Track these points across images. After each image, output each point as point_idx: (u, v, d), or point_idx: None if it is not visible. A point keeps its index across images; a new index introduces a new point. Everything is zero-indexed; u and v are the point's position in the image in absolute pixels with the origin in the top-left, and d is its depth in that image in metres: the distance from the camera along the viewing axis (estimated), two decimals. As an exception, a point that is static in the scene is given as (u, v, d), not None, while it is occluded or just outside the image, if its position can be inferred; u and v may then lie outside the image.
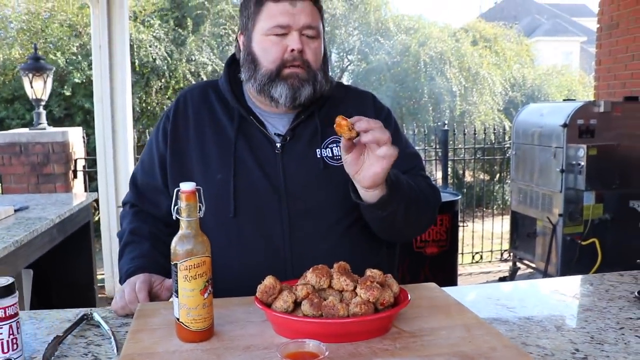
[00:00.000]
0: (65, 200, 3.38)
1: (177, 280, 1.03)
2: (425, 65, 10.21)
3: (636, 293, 1.40)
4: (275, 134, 1.45)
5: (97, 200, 4.49)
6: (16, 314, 1.06)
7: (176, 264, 1.03)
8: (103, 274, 4.91)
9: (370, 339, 1.03)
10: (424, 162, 3.66)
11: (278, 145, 1.44)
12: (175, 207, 1.04)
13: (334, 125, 1.17)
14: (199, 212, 1.04)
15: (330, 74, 1.53)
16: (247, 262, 1.37)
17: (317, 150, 1.44)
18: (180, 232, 1.04)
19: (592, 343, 1.16)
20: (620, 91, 5.22)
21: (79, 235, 3.34)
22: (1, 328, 1.04)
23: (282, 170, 1.41)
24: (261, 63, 1.40)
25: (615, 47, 5.37)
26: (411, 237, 1.54)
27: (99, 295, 4.23)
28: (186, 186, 1.03)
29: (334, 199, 1.41)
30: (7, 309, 1.04)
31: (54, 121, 7.43)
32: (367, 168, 1.22)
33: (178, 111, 1.51)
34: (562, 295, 1.48)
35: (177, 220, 1.06)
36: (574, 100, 5.61)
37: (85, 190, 5.26)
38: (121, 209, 1.60)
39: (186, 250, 1.02)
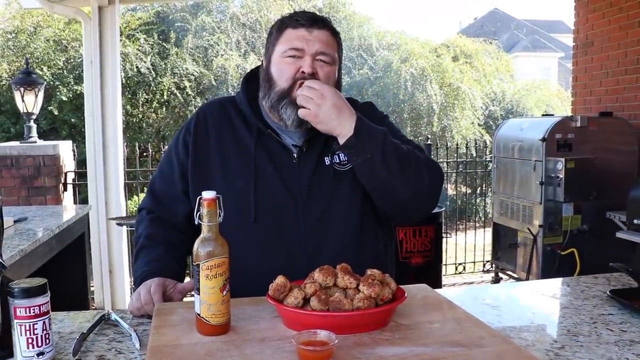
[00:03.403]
0: (61, 212, 3.47)
1: (198, 279, 1.14)
2: (406, 81, 10.41)
3: (608, 292, 1.54)
4: (292, 145, 1.58)
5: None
6: (48, 312, 1.16)
7: (198, 264, 1.14)
8: (93, 286, 4.96)
9: (372, 331, 1.15)
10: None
11: (295, 155, 1.56)
12: (198, 213, 1.16)
13: None
14: (219, 218, 1.16)
15: None
16: (266, 262, 1.48)
17: (326, 158, 1.56)
18: (201, 235, 1.16)
19: (569, 335, 1.29)
20: (596, 106, 5.42)
21: (73, 246, 3.42)
22: (36, 324, 1.13)
23: (299, 178, 1.54)
24: (276, 82, 1.53)
25: (591, 64, 5.58)
26: (410, 204, 1.53)
27: (91, 306, 4.28)
28: (207, 194, 1.14)
29: (343, 204, 1.54)
30: (41, 306, 1.14)
31: (39, 135, 7.52)
32: None
33: (199, 124, 1.62)
34: (542, 296, 1.62)
35: (197, 225, 1.18)
36: (552, 115, 5.79)
37: (75, 203, 5.32)
38: (137, 215, 1.70)
39: (207, 252, 1.14)
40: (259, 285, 1.27)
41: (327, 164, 1.56)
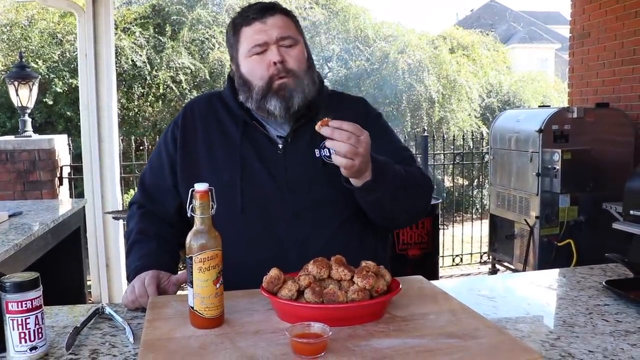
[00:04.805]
0: (57, 206, 3.45)
1: (192, 272, 1.14)
2: (403, 72, 10.38)
3: (604, 283, 1.53)
4: (277, 136, 1.58)
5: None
6: (40, 306, 1.15)
7: (191, 257, 1.13)
8: (89, 280, 4.95)
9: (367, 323, 1.15)
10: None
11: (280, 146, 1.56)
12: (190, 206, 1.15)
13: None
14: (211, 210, 1.15)
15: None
16: (254, 254, 1.48)
17: (315, 150, 1.55)
18: (194, 228, 1.15)
19: (564, 326, 1.29)
20: (593, 97, 5.42)
21: (69, 241, 3.41)
22: (28, 318, 1.13)
23: (285, 169, 1.54)
24: (252, 83, 1.53)
25: (587, 56, 5.57)
26: (405, 223, 1.67)
27: (88, 300, 4.28)
28: (200, 186, 1.14)
29: (331, 195, 1.53)
30: (33, 300, 1.13)
31: (34, 129, 7.49)
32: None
33: (186, 118, 1.63)
34: (537, 287, 1.62)
35: (188, 219, 1.17)
36: (549, 106, 5.79)
37: (71, 197, 5.30)
38: (128, 209, 1.70)
39: (200, 244, 1.13)
40: (248, 277, 1.27)
41: (316, 155, 1.55)
